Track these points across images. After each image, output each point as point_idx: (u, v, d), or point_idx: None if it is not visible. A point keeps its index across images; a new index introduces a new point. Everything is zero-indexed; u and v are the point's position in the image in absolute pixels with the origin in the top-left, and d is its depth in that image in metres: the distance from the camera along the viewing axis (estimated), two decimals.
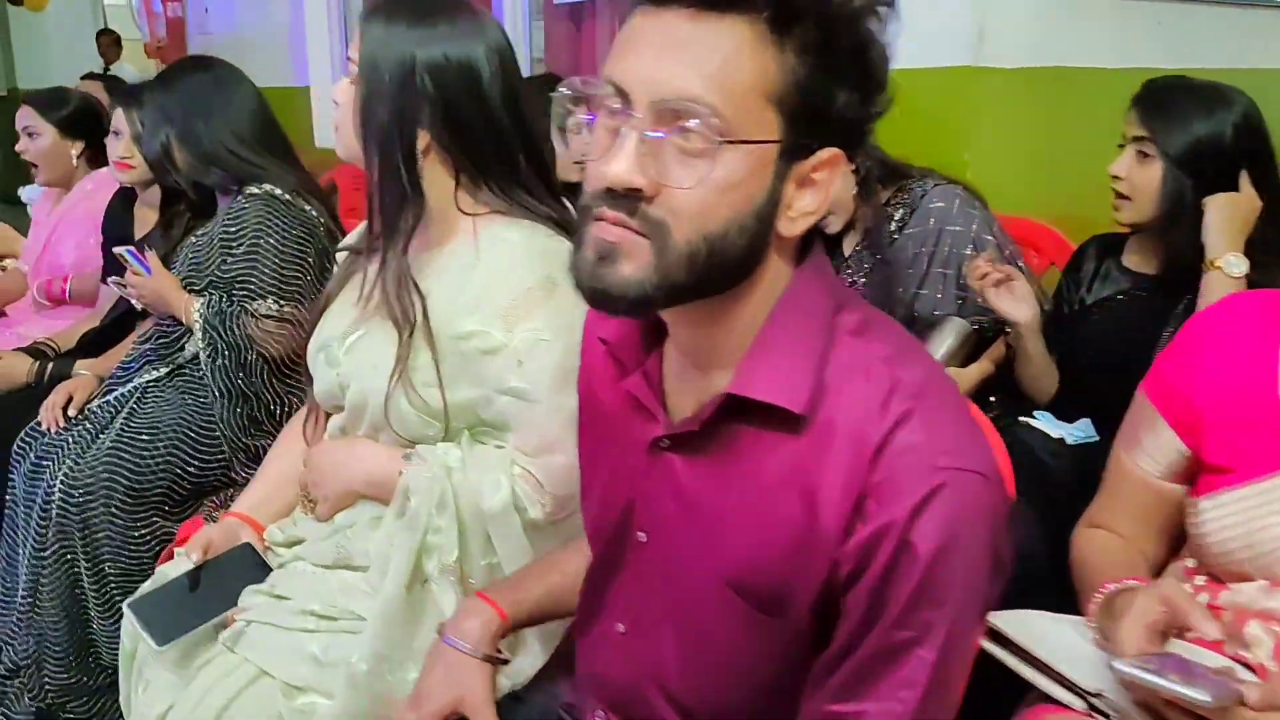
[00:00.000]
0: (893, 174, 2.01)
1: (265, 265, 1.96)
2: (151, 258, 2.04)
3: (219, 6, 5.54)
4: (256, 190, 2.02)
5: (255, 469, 1.97)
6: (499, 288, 1.24)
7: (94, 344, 2.47)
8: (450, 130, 1.26)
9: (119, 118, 2.43)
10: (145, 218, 2.52)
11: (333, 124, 1.32)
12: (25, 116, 2.79)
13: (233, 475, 1.98)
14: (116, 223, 2.58)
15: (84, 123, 2.84)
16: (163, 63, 6.07)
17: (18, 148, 2.81)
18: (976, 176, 2.16)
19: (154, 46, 6.02)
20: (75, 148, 2.82)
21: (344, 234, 2.13)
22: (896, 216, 1.98)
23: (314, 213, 2.05)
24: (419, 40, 1.25)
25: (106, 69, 7.65)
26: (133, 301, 2.13)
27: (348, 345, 1.33)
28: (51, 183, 2.88)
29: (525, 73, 3.77)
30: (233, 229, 2.00)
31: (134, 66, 7.75)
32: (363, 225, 1.48)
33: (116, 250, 2.06)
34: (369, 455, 1.31)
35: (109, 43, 7.83)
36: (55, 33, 8.59)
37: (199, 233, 2.12)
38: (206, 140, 2.04)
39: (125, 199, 2.59)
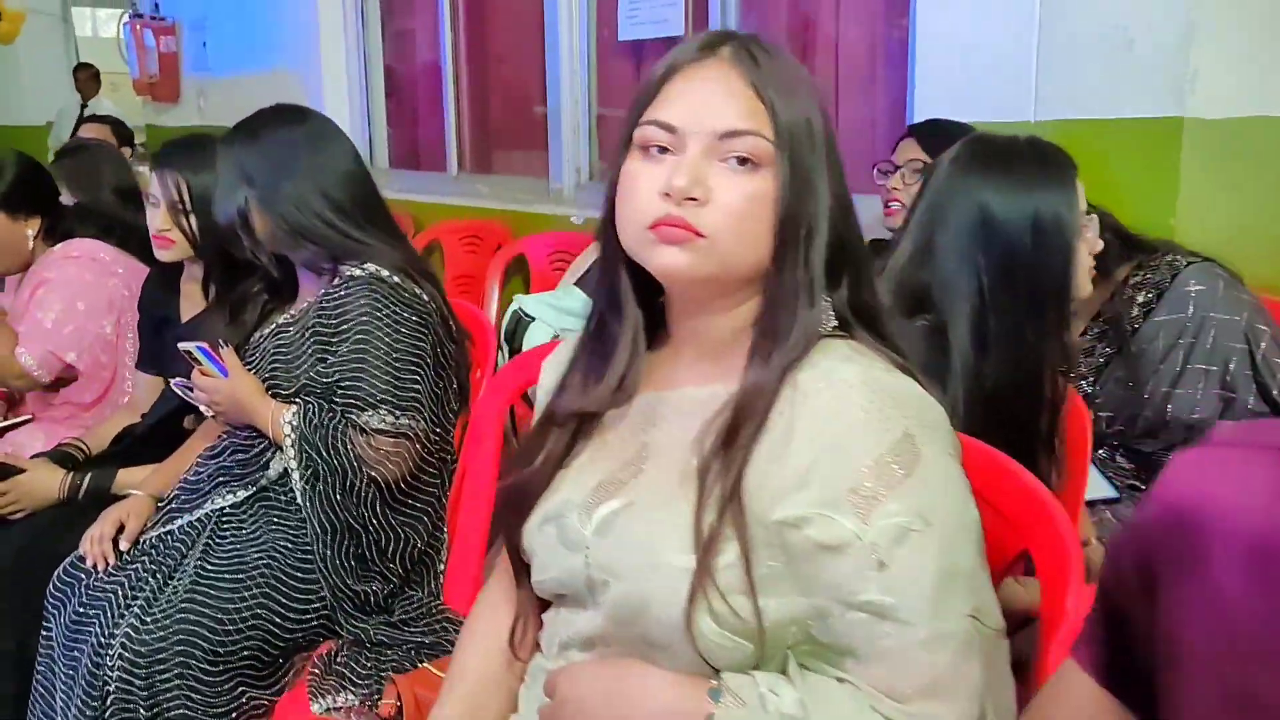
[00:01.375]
0: (1131, 247, 1.69)
1: (375, 367, 1.58)
2: (228, 356, 1.65)
3: (218, 40, 5.14)
4: (358, 272, 1.65)
5: (363, 620, 1.59)
6: (840, 450, 0.85)
7: (135, 448, 2.05)
8: (841, 212, 0.93)
9: (154, 183, 2.02)
10: (193, 295, 2.09)
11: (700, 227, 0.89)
12: None
13: (335, 628, 1.59)
14: (158, 305, 2.14)
15: (31, 193, 2.32)
16: (153, 99, 5.63)
17: None
18: (1184, 241, 1.85)
19: (144, 83, 5.56)
20: (31, 226, 2.31)
21: (457, 319, 1.76)
22: (1140, 299, 1.65)
23: (425, 297, 1.68)
24: (810, 90, 0.93)
25: (84, 105, 7.21)
26: (202, 409, 1.73)
27: (599, 521, 0.93)
28: (10, 272, 2.39)
29: (585, 116, 3.53)
30: (332, 320, 1.62)
31: (112, 101, 7.31)
32: (555, 365, 1.07)
33: (183, 346, 1.66)
34: (659, 691, 0.89)
35: (87, 78, 7.36)
36: (25, 66, 8.19)
37: (281, 321, 1.73)
38: (296, 207, 1.65)
39: (165, 275, 2.15)
